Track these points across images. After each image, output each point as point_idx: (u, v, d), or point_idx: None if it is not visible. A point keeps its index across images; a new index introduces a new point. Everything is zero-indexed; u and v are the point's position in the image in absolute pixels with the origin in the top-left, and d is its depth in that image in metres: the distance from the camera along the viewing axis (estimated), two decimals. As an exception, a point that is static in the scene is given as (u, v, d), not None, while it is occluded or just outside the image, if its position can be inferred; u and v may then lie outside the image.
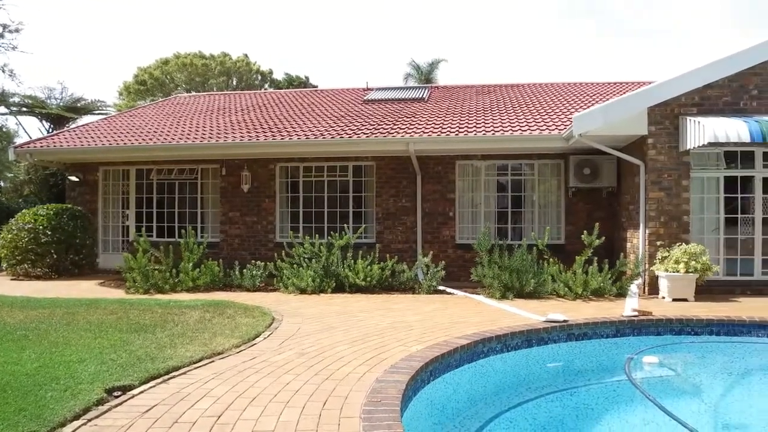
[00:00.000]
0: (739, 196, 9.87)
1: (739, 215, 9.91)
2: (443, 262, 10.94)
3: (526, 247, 10.08)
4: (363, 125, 12.56)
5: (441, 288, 10.31)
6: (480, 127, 11.83)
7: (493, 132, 11.46)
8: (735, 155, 9.88)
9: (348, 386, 4.39)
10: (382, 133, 11.85)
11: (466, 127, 11.96)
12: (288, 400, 4.06)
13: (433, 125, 12.22)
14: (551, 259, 9.98)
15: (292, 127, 12.83)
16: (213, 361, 5.13)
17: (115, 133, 13.46)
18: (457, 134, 11.50)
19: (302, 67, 66.29)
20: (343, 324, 7.05)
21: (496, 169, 12.57)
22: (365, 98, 15.71)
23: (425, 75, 32.43)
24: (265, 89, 37.77)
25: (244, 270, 10.74)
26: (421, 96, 15.79)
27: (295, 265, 10.61)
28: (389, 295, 9.82)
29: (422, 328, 6.68)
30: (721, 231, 9.91)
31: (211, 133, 12.83)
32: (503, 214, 12.61)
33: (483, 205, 12.56)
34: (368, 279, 10.16)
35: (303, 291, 9.97)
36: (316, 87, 31.33)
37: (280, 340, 6.07)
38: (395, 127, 12.26)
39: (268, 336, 6.30)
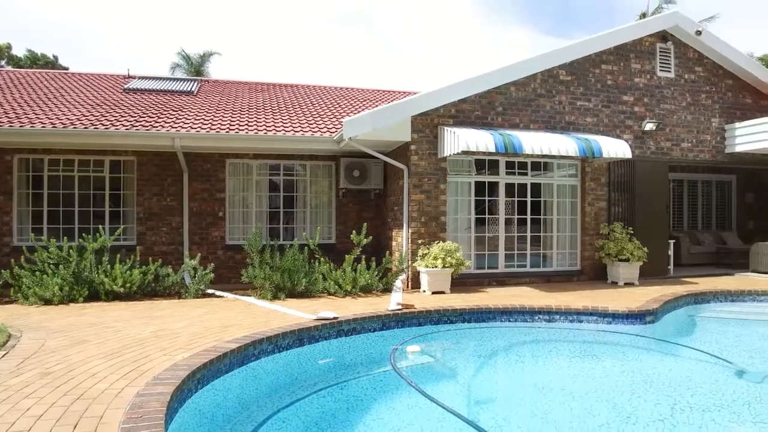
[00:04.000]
0: (487, 199, 11.16)
1: (487, 216, 11.21)
2: (213, 264, 10.52)
3: (298, 246, 10.14)
4: (123, 116, 11.48)
5: (210, 291, 9.89)
6: (252, 126, 11.60)
7: (265, 131, 11.30)
8: (484, 163, 11.13)
9: (103, 405, 3.91)
10: (144, 126, 10.93)
11: (238, 124, 11.64)
12: (29, 429, 3.47)
13: (202, 121, 11.65)
14: (322, 259, 10.18)
15: (35, 114, 11.20)
16: (-77, 392, 4.20)
17: None
18: (227, 131, 11.10)
19: (49, 45, 58.42)
20: (97, 336, 6.32)
21: (269, 168, 12.45)
22: (126, 87, 14.41)
23: (196, 67, 30.94)
24: (1, 67, 32.63)
25: (-30, 279, 9.09)
26: (190, 89, 15.00)
27: (38, 273, 9.26)
28: (152, 302, 9.10)
29: (189, 335, 6.29)
30: (473, 230, 11.09)
31: (-76, 115, 10.61)
32: (275, 214, 12.55)
33: (255, 205, 12.35)
34: (128, 285, 9.29)
35: (48, 301, 8.76)
36: (67, 69, 27.89)
37: (19, 360, 5.21)
38: (160, 120, 11.43)
39: (3, 356, 5.37)
